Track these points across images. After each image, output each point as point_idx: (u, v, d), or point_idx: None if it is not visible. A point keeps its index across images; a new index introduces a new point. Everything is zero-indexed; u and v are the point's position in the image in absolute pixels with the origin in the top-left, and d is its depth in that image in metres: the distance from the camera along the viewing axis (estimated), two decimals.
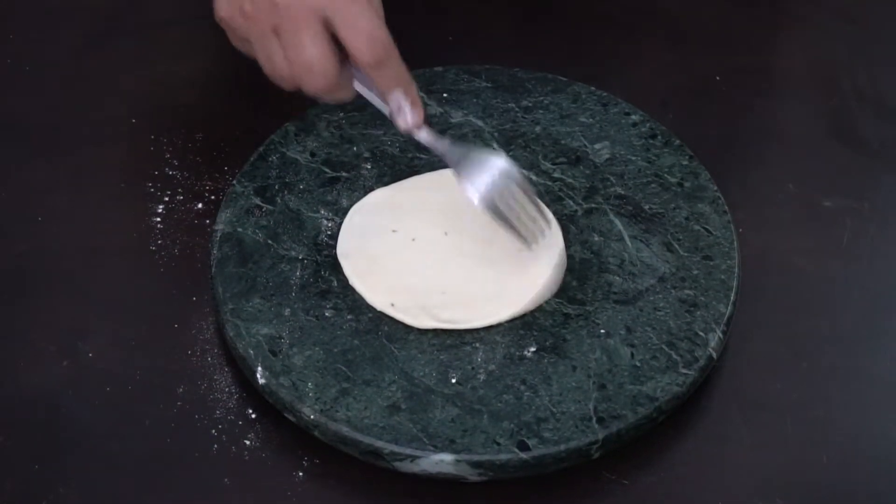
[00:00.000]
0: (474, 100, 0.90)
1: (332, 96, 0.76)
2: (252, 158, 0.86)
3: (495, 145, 0.87)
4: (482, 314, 0.78)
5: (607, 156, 0.87)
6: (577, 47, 0.99)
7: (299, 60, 0.74)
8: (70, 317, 0.81)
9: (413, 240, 0.82)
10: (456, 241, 0.82)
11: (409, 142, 0.87)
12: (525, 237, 0.78)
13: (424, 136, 0.77)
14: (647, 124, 0.89)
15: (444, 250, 0.81)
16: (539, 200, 0.79)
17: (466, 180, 0.77)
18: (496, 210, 0.77)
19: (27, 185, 0.89)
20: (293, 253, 0.81)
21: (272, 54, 0.75)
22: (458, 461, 0.72)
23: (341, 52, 0.75)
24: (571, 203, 0.84)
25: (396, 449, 0.72)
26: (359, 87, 0.78)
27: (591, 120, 0.89)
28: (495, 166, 0.77)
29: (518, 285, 0.79)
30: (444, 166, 0.83)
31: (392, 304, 0.78)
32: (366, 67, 0.74)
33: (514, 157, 0.86)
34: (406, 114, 0.77)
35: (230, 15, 0.77)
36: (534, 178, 0.86)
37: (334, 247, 0.82)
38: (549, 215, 0.80)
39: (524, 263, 0.80)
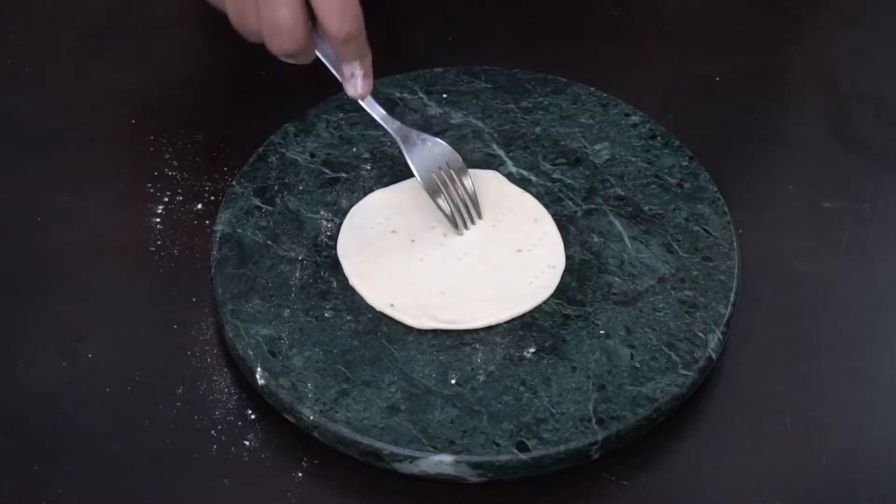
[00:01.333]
0: (474, 100, 0.90)
1: (293, 59, 0.78)
2: (251, 159, 0.86)
3: (495, 146, 0.87)
4: (481, 315, 0.78)
5: (607, 157, 0.87)
6: (577, 48, 0.99)
7: (271, 19, 0.75)
8: (69, 317, 0.81)
9: (412, 241, 0.82)
10: (455, 243, 0.82)
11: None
12: (456, 222, 0.82)
13: (371, 106, 0.81)
14: (647, 125, 0.89)
15: (444, 251, 0.81)
16: (472, 188, 0.83)
17: (412, 161, 0.82)
18: (436, 192, 0.81)
19: (27, 185, 0.89)
20: (293, 254, 0.81)
21: (244, 9, 0.76)
22: (457, 462, 0.72)
23: (310, 18, 0.76)
24: (571, 204, 0.84)
25: (396, 450, 0.72)
26: (318, 52, 0.79)
27: (590, 121, 0.89)
28: (439, 152, 0.82)
29: (516, 286, 0.79)
30: None
31: (391, 305, 0.78)
32: (335, 40, 0.76)
33: (513, 158, 0.87)
34: (357, 83, 0.79)
35: None
36: (533, 178, 0.86)
37: (334, 247, 0.82)
38: (477, 206, 0.83)
39: (522, 264, 0.80)
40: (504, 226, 0.83)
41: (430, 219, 0.83)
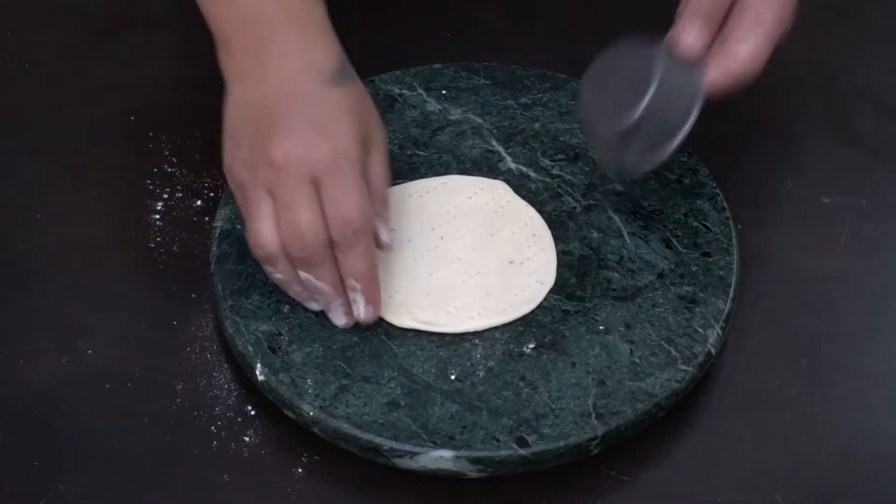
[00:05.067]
0: (473, 97, 0.90)
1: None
2: None
3: (494, 142, 0.87)
4: (460, 320, 0.78)
5: None
6: (576, 44, 0.98)
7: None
8: (69, 314, 0.81)
9: (409, 240, 0.82)
10: (450, 248, 0.81)
11: (408, 139, 0.87)
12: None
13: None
14: None
15: (438, 254, 0.81)
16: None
17: None
18: None
19: (27, 184, 0.89)
20: None
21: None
22: (457, 457, 0.72)
23: None
24: (570, 200, 0.84)
25: (396, 445, 0.72)
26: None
27: None
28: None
29: (501, 297, 0.79)
30: (446, 168, 0.84)
31: None
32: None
33: (512, 154, 0.87)
34: (359, 309, 0.76)
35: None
36: (532, 174, 0.86)
37: None
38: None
39: (512, 276, 0.80)
40: (502, 236, 0.82)
41: (431, 221, 0.83)
